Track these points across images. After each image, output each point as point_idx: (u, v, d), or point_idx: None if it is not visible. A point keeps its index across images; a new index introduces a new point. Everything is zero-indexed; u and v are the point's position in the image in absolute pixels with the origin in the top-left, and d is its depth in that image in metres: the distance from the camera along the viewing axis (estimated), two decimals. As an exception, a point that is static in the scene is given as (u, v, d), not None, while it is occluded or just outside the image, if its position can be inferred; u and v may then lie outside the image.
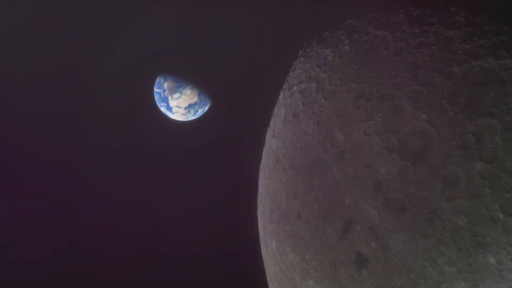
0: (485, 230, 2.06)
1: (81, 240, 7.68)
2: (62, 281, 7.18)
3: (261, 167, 4.19)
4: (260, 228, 4.05)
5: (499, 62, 2.21)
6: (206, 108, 7.52)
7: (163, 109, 7.45)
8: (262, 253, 4.04)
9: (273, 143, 3.81)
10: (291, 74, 3.89)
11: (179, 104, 7.34)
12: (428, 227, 2.21)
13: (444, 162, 2.20)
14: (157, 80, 7.32)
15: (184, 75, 7.27)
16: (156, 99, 7.41)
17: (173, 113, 7.46)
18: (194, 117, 7.54)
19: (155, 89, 7.37)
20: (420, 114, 2.36)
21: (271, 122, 4.08)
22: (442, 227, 2.17)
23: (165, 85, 7.30)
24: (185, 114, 7.47)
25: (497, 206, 2.04)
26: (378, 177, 2.46)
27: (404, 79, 2.51)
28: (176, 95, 7.28)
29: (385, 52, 2.72)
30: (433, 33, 2.52)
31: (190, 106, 7.39)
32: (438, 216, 2.18)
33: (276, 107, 4.06)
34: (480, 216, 2.08)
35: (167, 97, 7.31)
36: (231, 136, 7.69)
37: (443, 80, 2.34)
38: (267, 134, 4.16)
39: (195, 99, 7.35)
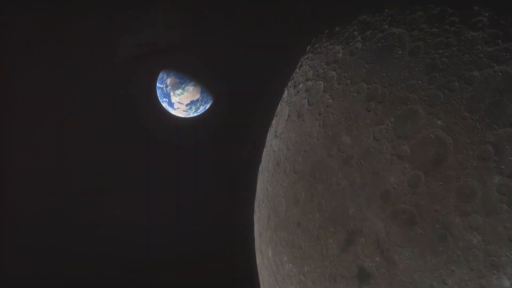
0: (500, 249, 2.01)
1: (77, 236, 7.80)
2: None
3: (260, 169, 4.15)
4: (256, 235, 4.01)
5: (524, 67, 2.16)
6: (208, 105, 7.71)
7: (164, 105, 7.73)
8: (257, 261, 4.00)
9: (274, 144, 3.76)
10: (297, 70, 3.84)
11: (181, 101, 7.58)
12: (438, 243, 2.16)
13: (459, 174, 2.15)
14: (160, 75, 7.54)
15: (188, 72, 7.44)
16: (158, 94, 7.61)
17: (175, 109, 7.74)
18: (195, 114, 7.73)
19: (158, 84, 7.61)
20: (436, 120, 2.31)
21: (273, 122, 4.04)
22: (454, 244, 2.12)
23: (168, 81, 7.52)
24: (186, 111, 7.72)
25: (515, 224, 1.99)
26: (386, 187, 2.41)
27: (419, 82, 2.46)
28: (179, 91, 7.50)
29: (400, 52, 2.67)
30: (453, 33, 2.47)
31: (192, 103, 7.61)
32: (450, 232, 2.13)
33: (279, 105, 4.02)
34: (496, 234, 2.03)
35: (169, 92, 7.52)
36: (231, 136, 7.84)
37: (462, 85, 2.29)
38: (268, 134, 4.12)
39: (197, 96, 7.56)
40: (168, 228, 8.07)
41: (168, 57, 7.58)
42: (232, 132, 7.84)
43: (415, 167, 2.32)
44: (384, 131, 2.52)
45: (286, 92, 3.93)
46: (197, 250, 7.90)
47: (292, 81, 3.86)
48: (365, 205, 2.49)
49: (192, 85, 7.49)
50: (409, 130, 2.40)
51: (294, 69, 3.94)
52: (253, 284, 4.16)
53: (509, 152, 2.06)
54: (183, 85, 7.47)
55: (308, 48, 3.86)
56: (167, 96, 7.56)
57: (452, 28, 2.50)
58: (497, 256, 2.02)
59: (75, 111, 7.77)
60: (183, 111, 7.67)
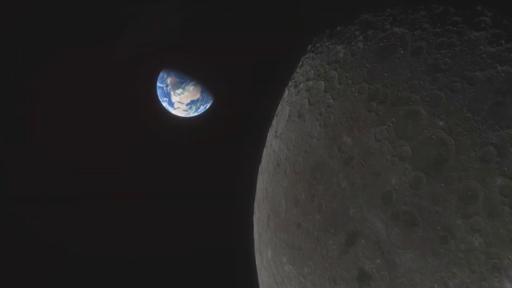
0: (502, 252, 2.00)
1: (76, 236, 7.86)
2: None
3: (260, 169, 4.14)
4: (256, 236, 4.00)
5: (527, 68, 2.15)
6: (208, 105, 7.74)
7: (164, 104, 7.76)
8: (256, 262, 3.99)
9: (274, 144, 3.75)
10: (298, 70, 3.83)
11: (181, 100, 7.63)
12: (439, 245, 2.15)
13: (461, 175, 2.14)
14: (161, 74, 7.56)
15: (188, 71, 7.47)
16: (158, 94, 7.66)
17: (175, 109, 7.78)
18: (195, 114, 7.76)
19: (158, 84, 7.64)
20: (438, 121, 2.30)
21: (274, 122, 4.03)
22: (455, 246, 2.11)
23: (168, 80, 7.54)
24: (186, 110, 7.76)
25: (517, 226, 1.98)
26: (387, 188, 2.40)
27: (421, 82, 2.45)
28: (179, 91, 7.54)
29: (402, 51, 2.66)
30: (456, 33, 2.46)
31: (192, 102, 7.65)
32: (452, 234, 2.12)
33: (280, 105, 4.01)
34: (498, 236, 2.01)
35: (170, 92, 7.55)
36: (231, 135, 7.86)
37: (465, 85, 2.28)
38: (268, 134, 4.11)
39: (197, 96, 7.60)
40: (168, 228, 8.09)
41: (168, 57, 7.62)
42: (232, 132, 7.85)
43: (417, 168, 2.31)
44: (385, 132, 2.51)
45: (286, 92, 3.91)
46: (196, 250, 7.91)
47: (293, 80, 3.85)
48: (366, 206, 2.48)
49: (192, 85, 7.52)
50: (410, 131, 2.39)
51: (294, 68, 3.93)
52: (253, 285, 4.15)
53: (511, 154, 2.05)
54: (184, 84, 7.50)
55: (309, 48, 3.85)
56: (167, 95, 7.59)
57: (455, 28, 2.48)
58: (499, 259, 2.00)
59: (75, 111, 7.80)
60: (183, 110, 7.70)
